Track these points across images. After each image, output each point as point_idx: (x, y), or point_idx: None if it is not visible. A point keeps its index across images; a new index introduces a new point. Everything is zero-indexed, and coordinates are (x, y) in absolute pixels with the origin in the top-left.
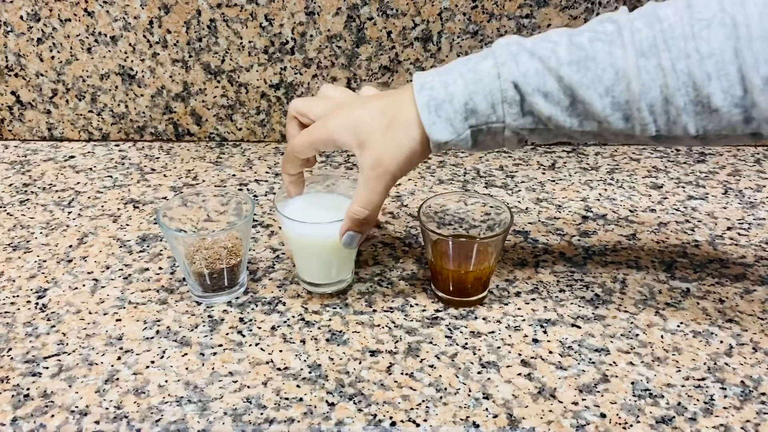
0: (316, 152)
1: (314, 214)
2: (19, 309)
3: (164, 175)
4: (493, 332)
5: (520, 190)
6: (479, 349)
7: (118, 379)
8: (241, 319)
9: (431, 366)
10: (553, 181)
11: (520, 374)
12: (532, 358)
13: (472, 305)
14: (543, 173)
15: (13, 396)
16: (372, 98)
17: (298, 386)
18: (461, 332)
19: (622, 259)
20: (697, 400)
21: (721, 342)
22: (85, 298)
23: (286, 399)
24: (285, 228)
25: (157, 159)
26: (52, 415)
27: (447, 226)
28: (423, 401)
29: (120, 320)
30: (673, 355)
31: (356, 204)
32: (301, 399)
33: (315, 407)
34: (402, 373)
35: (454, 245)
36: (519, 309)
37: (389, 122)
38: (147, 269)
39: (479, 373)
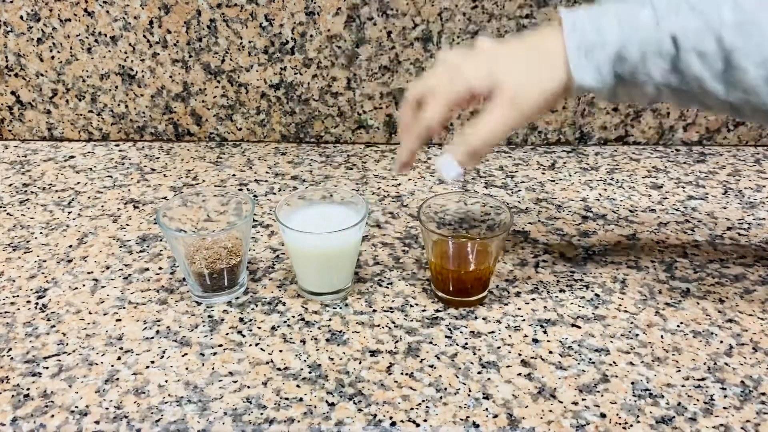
0: (451, 112)
1: (314, 224)
2: (19, 309)
3: (164, 175)
4: (493, 332)
5: (520, 190)
6: (479, 349)
7: (118, 379)
8: (241, 319)
9: (431, 366)
10: (553, 181)
11: (520, 374)
12: (532, 358)
13: (472, 305)
14: (543, 173)
15: (13, 396)
16: (512, 39)
17: (298, 386)
18: (461, 332)
19: (622, 259)
20: (697, 400)
21: (721, 342)
22: (85, 298)
23: (286, 399)
24: (286, 237)
25: (157, 159)
26: (52, 415)
27: (447, 227)
28: (423, 401)
29: (120, 320)
30: (673, 355)
31: (477, 134)
32: (301, 399)
33: (315, 407)
34: (402, 373)
35: (454, 245)
36: (519, 309)
37: (532, 61)
38: (147, 269)
39: (479, 373)
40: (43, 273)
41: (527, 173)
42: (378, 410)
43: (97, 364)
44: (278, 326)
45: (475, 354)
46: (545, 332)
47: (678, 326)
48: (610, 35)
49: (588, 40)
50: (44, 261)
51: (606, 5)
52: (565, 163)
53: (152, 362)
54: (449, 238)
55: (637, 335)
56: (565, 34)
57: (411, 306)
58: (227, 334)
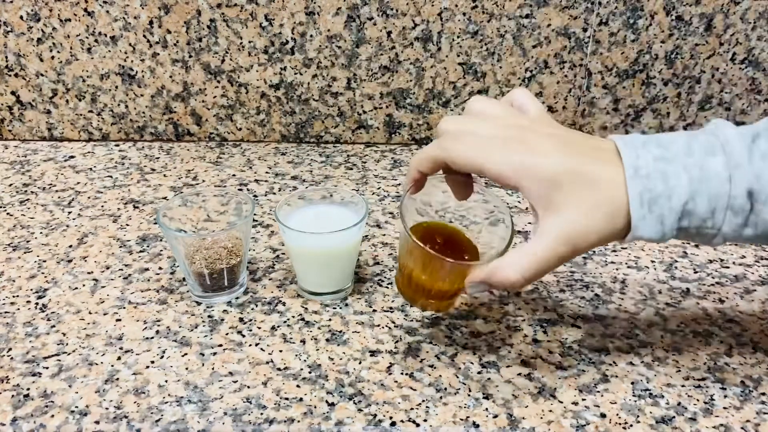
0: (470, 171)
1: (314, 224)
2: (19, 309)
3: (164, 175)
4: (493, 332)
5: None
6: (479, 349)
7: (118, 379)
8: (241, 319)
9: (431, 366)
10: None
11: (520, 374)
12: (532, 358)
13: (433, 309)
14: None
15: (13, 396)
16: (571, 146)
17: (298, 386)
18: (461, 332)
19: (622, 259)
20: (697, 400)
21: (721, 342)
22: (85, 298)
23: (286, 399)
24: (285, 237)
25: (157, 159)
26: (52, 415)
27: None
28: (423, 401)
29: (120, 320)
30: (673, 355)
31: (516, 268)
32: (301, 399)
33: (315, 407)
34: (402, 373)
35: (438, 261)
36: (519, 309)
37: (595, 200)
38: (147, 269)
39: (479, 373)
40: (43, 273)
41: None
42: (378, 410)
43: (97, 364)
44: (278, 326)
45: (475, 354)
46: (545, 332)
47: (678, 326)
48: (677, 186)
49: (652, 190)
50: (44, 261)
51: (671, 142)
52: None
53: (152, 362)
54: (437, 256)
55: (637, 335)
56: (627, 178)
57: (411, 306)
58: (227, 334)
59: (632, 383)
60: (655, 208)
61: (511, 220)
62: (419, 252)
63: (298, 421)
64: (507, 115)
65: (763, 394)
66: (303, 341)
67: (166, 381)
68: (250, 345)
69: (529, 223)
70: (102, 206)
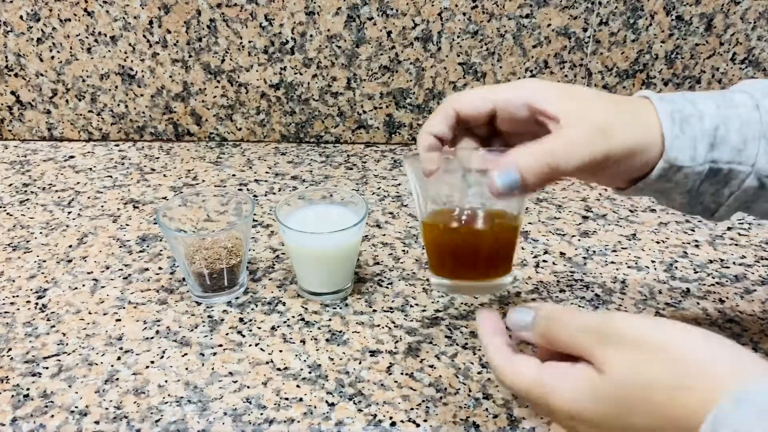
0: (480, 117)
1: (314, 224)
2: (19, 309)
3: (164, 175)
4: None
5: None
6: (479, 349)
7: (118, 379)
8: (241, 319)
9: (431, 366)
10: None
11: None
12: None
13: (490, 290)
14: None
15: (13, 396)
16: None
17: (298, 386)
18: (461, 332)
19: (622, 259)
20: None
21: None
22: (85, 298)
23: (286, 399)
24: (286, 237)
25: (157, 159)
26: (52, 415)
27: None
28: (423, 401)
29: (120, 320)
30: None
31: (551, 152)
32: (301, 399)
33: (315, 407)
34: (402, 373)
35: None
36: None
37: (627, 109)
38: (147, 269)
39: (479, 373)
40: (43, 273)
41: None
42: (378, 410)
43: (97, 364)
44: (278, 326)
45: (475, 354)
46: None
47: None
48: (707, 110)
49: (682, 111)
50: (44, 261)
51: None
52: None
53: (152, 362)
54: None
55: None
56: (654, 101)
57: (411, 306)
58: (227, 334)
59: None
60: (687, 128)
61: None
62: (447, 214)
63: (298, 421)
64: None
65: None
66: (303, 341)
67: (166, 381)
68: (250, 345)
69: (530, 223)
70: (102, 206)
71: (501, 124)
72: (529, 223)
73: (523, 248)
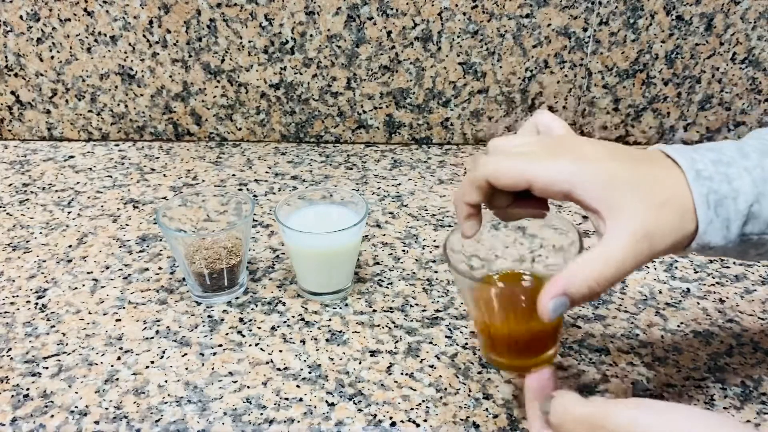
0: (517, 188)
1: (314, 224)
2: (18, 309)
3: (164, 175)
4: None
5: None
6: (479, 349)
7: (117, 379)
8: (240, 319)
9: (431, 366)
10: None
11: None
12: None
13: (541, 365)
14: None
15: (12, 396)
16: (619, 151)
17: (298, 386)
18: (461, 332)
19: None
20: (697, 400)
21: (721, 342)
22: (85, 298)
23: (286, 399)
24: (286, 237)
25: (156, 159)
26: (52, 415)
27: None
28: (423, 401)
29: (120, 320)
30: (673, 355)
31: (596, 272)
32: (301, 399)
33: (315, 407)
34: (402, 373)
35: (506, 291)
36: None
37: (663, 199)
38: (147, 269)
39: (479, 373)
40: (42, 273)
41: None
42: (378, 410)
43: (96, 364)
44: (278, 326)
45: (475, 354)
46: None
47: (678, 326)
48: (743, 188)
49: (718, 192)
50: (44, 261)
51: (719, 148)
52: None
53: (152, 362)
54: (497, 284)
55: (637, 335)
56: (689, 181)
57: (411, 306)
58: (227, 334)
59: (632, 383)
60: (721, 211)
61: (575, 228)
62: (493, 295)
63: (298, 421)
64: (540, 137)
65: (763, 394)
66: (303, 341)
67: (166, 381)
68: (250, 345)
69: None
70: (102, 206)
71: (536, 193)
72: (528, 220)
73: (521, 244)
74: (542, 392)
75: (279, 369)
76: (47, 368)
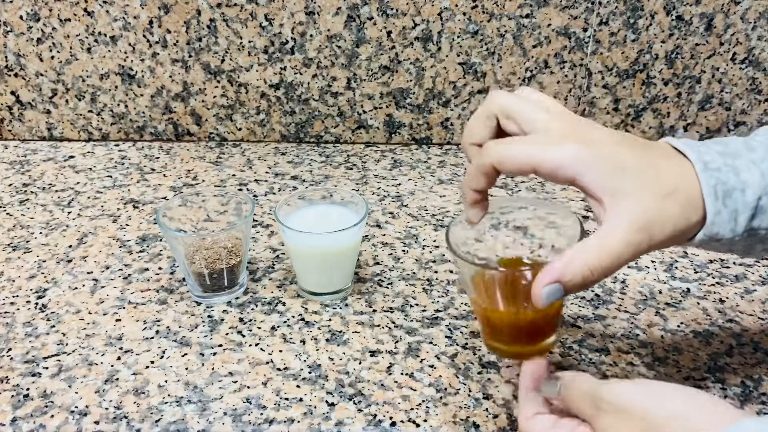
0: (523, 174)
1: (314, 224)
2: (18, 309)
3: (164, 175)
4: None
5: (520, 190)
6: (479, 349)
7: (117, 379)
8: (241, 319)
9: (431, 366)
10: None
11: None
12: None
13: (539, 353)
14: None
15: (12, 396)
16: (627, 139)
17: (298, 386)
18: (461, 332)
19: None
20: None
21: (721, 342)
22: (85, 298)
23: (286, 399)
24: (286, 237)
25: (156, 159)
26: (52, 416)
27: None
28: (423, 401)
29: (120, 320)
30: (673, 355)
31: (591, 261)
32: (301, 399)
33: (315, 407)
34: (402, 373)
35: (508, 277)
36: None
37: (668, 189)
38: (147, 269)
39: (479, 373)
40: (42, 273)
41: None
42: (378, 410)
43: (96, 364)
44: (278, 326)
45: (475, 354)
46: None
47: (678, 326)
48: (750, 179)
49: (726, 183)
50: (44, 261)
51: (726, 142)
52: None
53: (152, 362)
54: (499, 269)
55: (637, 335)
56: (698, 171)
57: (411, 306)
58: (227, 334)
59: None
60: (729, 202)
61: (575, 216)
62: (493, 281)
63: (298, 422)
64: (551, 116)
65: (763, 394)
66: (303, 341)
67: (166, 381)
68: (250, 345)
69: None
70: (102, 206)
71: (542, 177)
72: (528, 218)
73: (522, 244)
74: (538, 381)
75: (279, 369)
76: (47, 368)
